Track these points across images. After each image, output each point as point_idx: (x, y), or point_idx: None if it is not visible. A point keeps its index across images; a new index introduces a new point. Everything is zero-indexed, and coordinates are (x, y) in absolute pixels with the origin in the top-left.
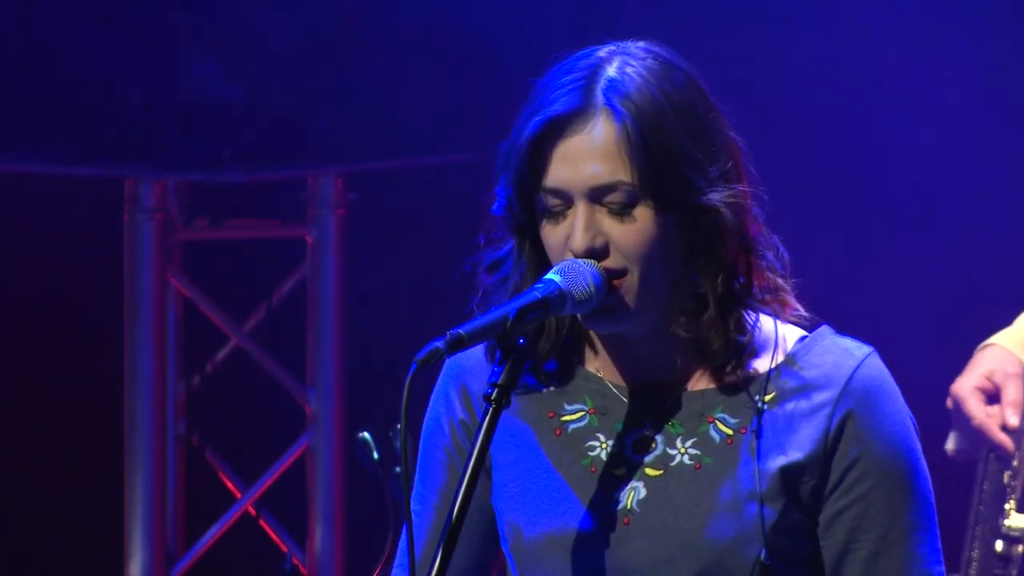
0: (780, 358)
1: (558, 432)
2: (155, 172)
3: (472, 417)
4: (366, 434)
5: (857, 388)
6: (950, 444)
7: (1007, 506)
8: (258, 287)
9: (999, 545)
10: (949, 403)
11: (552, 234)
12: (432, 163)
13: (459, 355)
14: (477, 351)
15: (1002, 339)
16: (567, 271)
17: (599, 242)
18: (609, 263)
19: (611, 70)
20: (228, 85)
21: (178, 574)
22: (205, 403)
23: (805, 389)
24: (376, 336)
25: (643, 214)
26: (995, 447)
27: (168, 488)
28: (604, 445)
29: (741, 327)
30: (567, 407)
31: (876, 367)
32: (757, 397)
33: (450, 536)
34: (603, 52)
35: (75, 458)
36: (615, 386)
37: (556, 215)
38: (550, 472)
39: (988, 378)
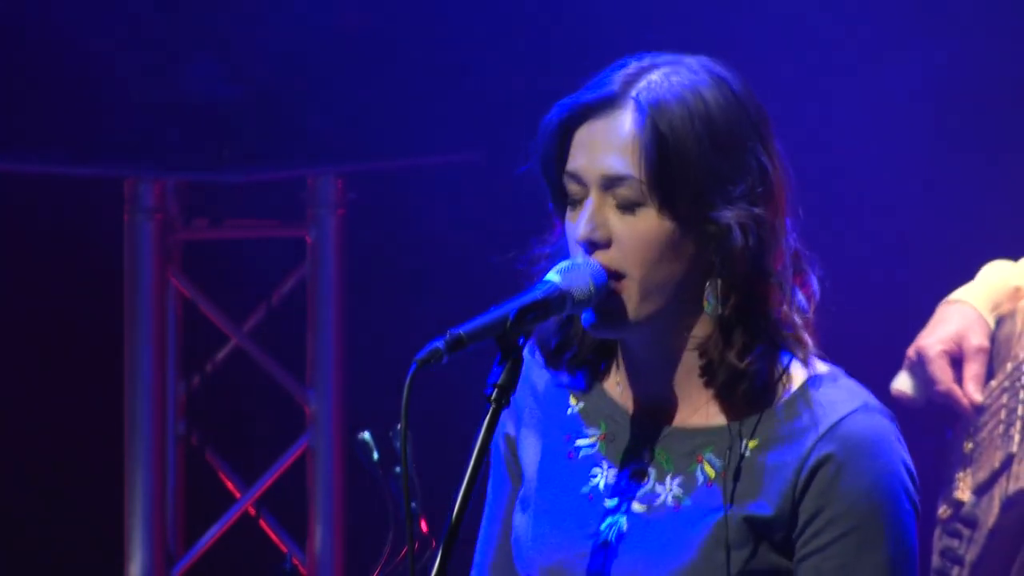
0: (779, 400)
1: (570, 456)
2: (155, 172)
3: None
4: (366, 434)
5: (833, 441)
6: (902, 386)
7: (959, 474)
8: (258, 287)
9: (944, 512)
10: (911, 353)
11: (570, 222)
12: (432, 163)
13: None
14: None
15: (970, 296)
16: (567, 271)
17: (601, 234)
18: (609, 259)
19: (656, 74)
20: (228, 85)
21: (178, 574)
22: (205, 403)
23: (789, 438)
24: (376, 336)
25: (648, 214)
26: (959, 417)
27: (168, 488)
28: (605, 474)
29: (744, 353)
30: (584, 431)
31: (864, 422)
32: (743, 441)
33: (450, 536)
34: (660, 59)
35: (75, 458)
36: (626, 410)
37: (576, 203)
38: (552, 497)
39: (956, 342)
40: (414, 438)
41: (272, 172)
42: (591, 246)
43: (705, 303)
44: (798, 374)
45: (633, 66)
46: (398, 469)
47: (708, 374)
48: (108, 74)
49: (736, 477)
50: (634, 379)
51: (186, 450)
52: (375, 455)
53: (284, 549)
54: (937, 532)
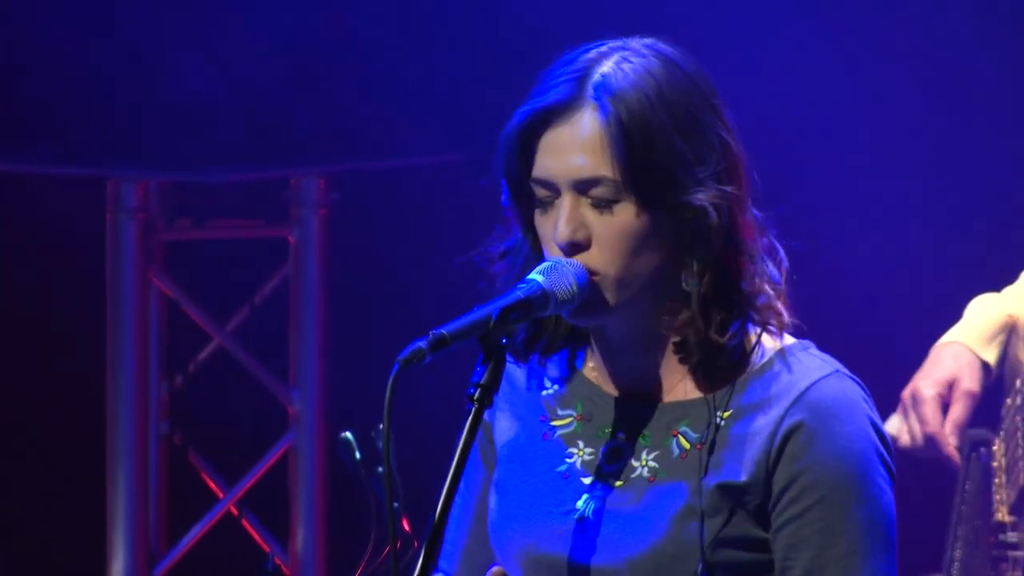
0: (751, 370)
1: (545, 436)
2: (137, 172)
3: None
4: (348, 434)
5: (804, 408)
6: (891, 429)
7: (996, 497)
8: (241, 287)
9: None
10: (906, 396)
11: (542, 224)
12: (414, 164)
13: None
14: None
15: (962, 336)
16: (550, 271)
17: (581, 235)
18: (590, 258)
19: (607, 65)
20: (211, 86)
21: (160, 574)
22: (188, 403)
23: (760, 406)
24: (359, 336)
25: (626, 210)
26: (978, 446)
27: (150, 488)
28: (581, 452)
29: (722, 329)
30: (559, 412)
31: (833, 387)
32: (718, 413)
33: (433, 535)
34: (605, 48)
35: (57, 458)
36: (605, 392)
37: (546, 205)
38: (527, 477)
39: (949, 385)
40: (396, 438)
41: (255, 172)
42: (572, 248)
43: (684, 284)
44: (770, 345)
45: (581, 61)
46: (380, 469)
47: (685, 351)
48: (91, 74)
49: (711, 448)
50: (609, 361)
51: (169, 450)
52: (357, 455)
53: (267, 548)
54: (959, 550)
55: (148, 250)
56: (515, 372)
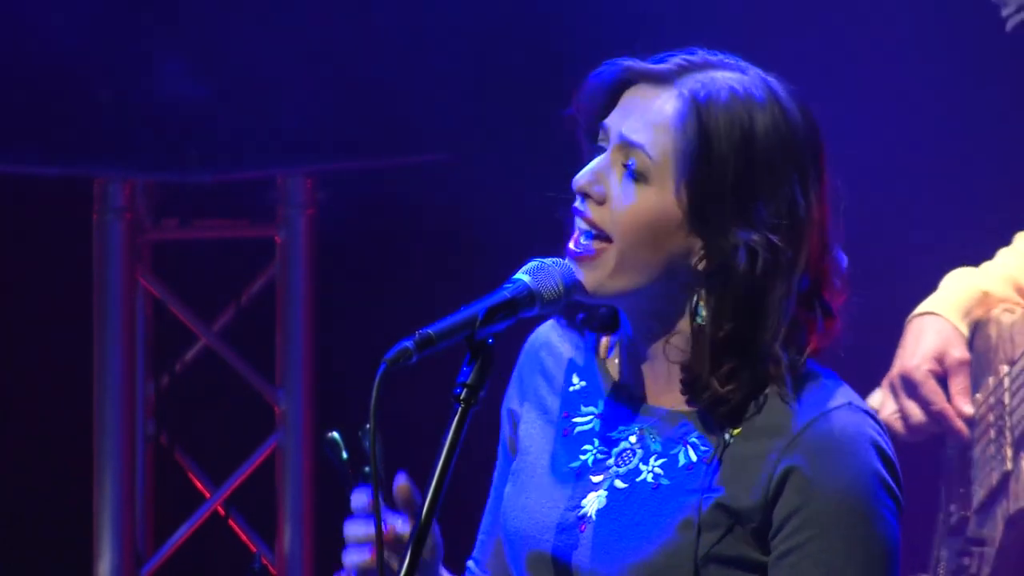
0: (768, 391)
1: (566, 432)
2: (124, 172)
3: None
4: (335, 434)
5: (807, 440)
6: (879, 405)
7: (961, 491)
8: (227, 287)
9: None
10: (895, 378)
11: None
12: (401, 164)
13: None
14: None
15: (940, 307)
16: (536, 271)
17: (597, 189)
18: (599, 214)
19: (718, 74)
20: (197, 85)
21: (147, 574)
22: (174, 403)
23: (767, 431)
24: (345, 336)
25: (650, 192)
26: (950, 439)
27: (137, 488)
28: (595, 451)
29: (728, 380)
30: (582, 409)
31: (841, 420)
32: (728, 429)
33: (419, 534)
34: (729, 61)
35: (43, 458)
36: (622, 392)
37: (600, 152)
38: (544, 472)
39: (938, 360)
40: (383, 438)
41: (242, 172)
42: (584, 196)
43: (696, 315)
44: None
45: (700, 56)
46: (367, 468)
47: (691, 390)
48: (77, 74)
49: (717, 463)
50: (630, 362)
51: (155, 450)
52: (344, 455)
53: (253, 548)
54: (945, 550)
55: (135, 250)
56: (547, 365)
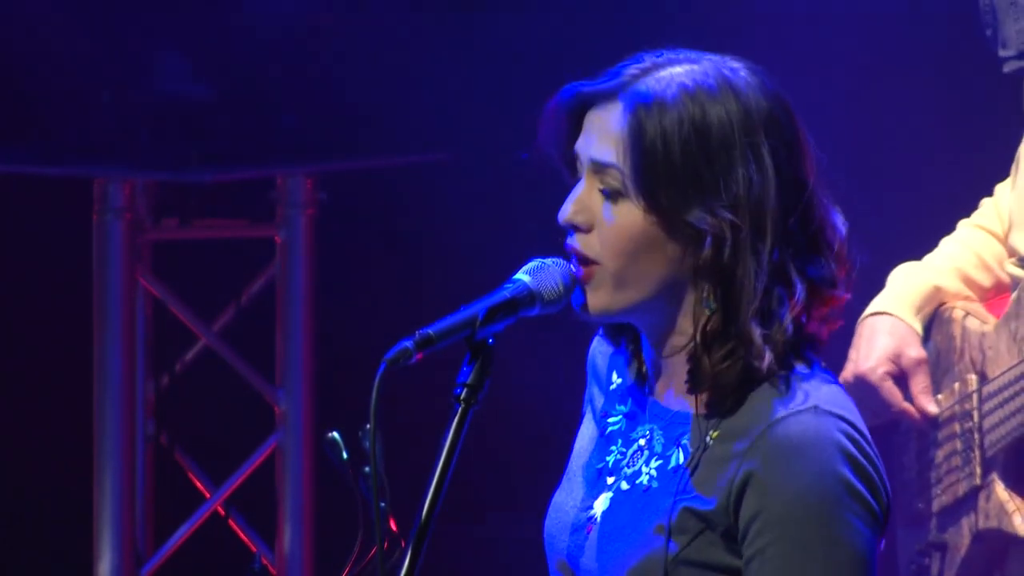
0: (755, 392)
1: (602, 433)
2: (124, 172)
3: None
4: (335, 434)
5: (765, 444)
6: None
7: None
8: (227, 287)
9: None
10: (849, 378)
11: None
12: (402, 163)
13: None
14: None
15: (891, 306)
16: (536, 271)
17: (581, 219)
18: (587, 243)
19: (664, 72)
20: (197, 85)
21: (147, 574)
22: (174, 403)
23: (737, 434)
24: (345, 336)
25: (631, 207)
26: (911, 432)
27: (137, 488)
28: (617, 451)
29: (721, 363)
30: (616, 408)
31: (799, 425)
32: (709, 432)
33: (420, 535)
34: (677, 57)
35: (44, 458)
36: (643, 392)
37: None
38: (577, 472)
39: (894, 360)
40: (384, 437)
41: (242, 172)
42: (572, 228)
43: (703, 307)
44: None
45: (648, 61)
46: (367, 469)
47: (693, 379)
48: (77, 74)
49: (695, 466)
50: (648, 360)
51: (155, 450)
52: (344, 455)
53: (253, 549)
54: (900, 530)
55: (135, 250)
56: (599, 364)
